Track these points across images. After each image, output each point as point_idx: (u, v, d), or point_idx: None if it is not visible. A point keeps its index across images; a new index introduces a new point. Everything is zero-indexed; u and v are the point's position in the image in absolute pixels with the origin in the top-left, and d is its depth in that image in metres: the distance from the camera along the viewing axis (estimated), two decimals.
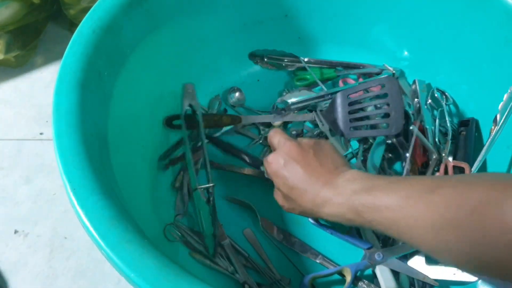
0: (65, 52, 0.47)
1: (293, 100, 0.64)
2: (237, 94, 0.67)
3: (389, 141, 0.61)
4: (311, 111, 0.63)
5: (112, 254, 0.36)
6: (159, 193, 0.57)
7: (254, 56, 0.68)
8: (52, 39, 0.77)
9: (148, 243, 0.37)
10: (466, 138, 0.60)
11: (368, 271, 0.55)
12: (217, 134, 0.63)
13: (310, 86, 0.68)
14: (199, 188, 0.55)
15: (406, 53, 0.68)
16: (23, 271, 0.57)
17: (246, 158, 0.61)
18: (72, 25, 0.76)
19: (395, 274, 0.53)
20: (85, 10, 0.64)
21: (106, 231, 0.37)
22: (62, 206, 0.61)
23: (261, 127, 0.64)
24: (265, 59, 0.68)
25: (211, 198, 0.55)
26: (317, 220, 0.55)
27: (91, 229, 0.37)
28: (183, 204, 0.57)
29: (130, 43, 0.53)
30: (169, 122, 0.60)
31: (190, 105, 0.59)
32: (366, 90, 0.60)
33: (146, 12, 0.53)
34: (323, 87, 0.66)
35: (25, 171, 0.64)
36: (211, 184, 0.56)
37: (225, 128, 0.63)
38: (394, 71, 0.67)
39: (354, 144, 0.62)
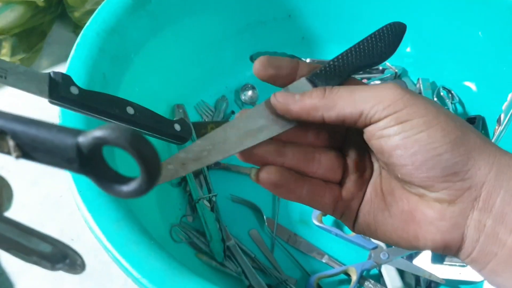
0: (70, 55, 0.47)
1: None
2: (250, 92, 0.67)
3: None
4: None
5: (118, 255, 0.36)
6: (164, 194, 0.57)
7: (255, 59, 0.69)
8: (57, 42, 0.77)
9: (154, 244, 0.37)
10: None
11: (374, 271, 0.55)
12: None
13: None
14: (201, 199, 0.55)
15: (409, 49, 0.67)
16: (30, 273, 0.57)
17: None
18: (77, 28, 0.76)
19: (401, 273, 0.53)
20: (90, 12, 0.65)
21: (113, 232, 0.37)
22: (68, 208, 0.61)
23: None
24: None
25: (214, 206, 0.56)
26: (321, 221, 0.55)
27: (98, 231, 0.37)
28: (191, 206, 0.58)
29: (134, 45, 0.53)
30: None
31: None
32: None
33: (150, 14, 0.53)
34: None
35: (32, 174, 0.64)
36: (213, 194, 0.56)
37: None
38: (396, 70, 0.66)
39: None
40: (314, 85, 0.30)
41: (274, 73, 0.31)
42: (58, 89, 0.36)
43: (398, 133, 0.26)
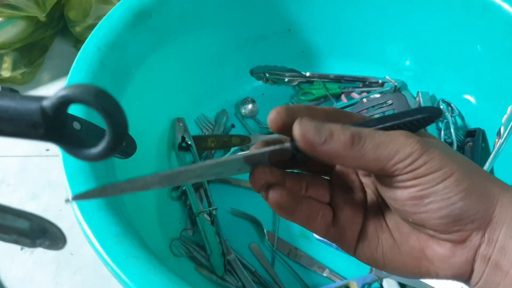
0: (71, 69, 0.47)
1: None
2: (250, 105, 0.67)
3: None
4: None
5: (118, 270, 0.36)
6: (164, 208, 0.57)
7: (255, 73, 0.69)
8: (58, 56, 0.78)
9: (154, 259, 0.37)
10: (472, 149, 0.60)
11: (376, 285, 0.54)
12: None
13: (316, 101, 0.69)
14: (202, 212, 0.55)
15: (408, 62, 0.68)
16: (28, 286, 0.57)
17: None
18: (78, 42, 0.76)
19: (403, 287, 0.53)
20: (91, 27, 0.65)
21: (112, 247, 0.37)
22: (68, 222, 0.61)
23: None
24: (267, 75, 0.69)
25: (215, 220, 0.55)
26: None
27: (97, 245, 0.37)
28: (191, 220, 0.57)
29: (135, 60, 0.53)
30: (179, 145, 0.60)
31: (183, 137, 0.60)
32: (373, 107, 0.61)
33: (150, 29, 0.54)
34: (334, 101, 0.67)
35: (32, 187, 0.64)
36: (214, 207, 0.56)
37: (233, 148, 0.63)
38: (396, 83, 0.67)
39: None
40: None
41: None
42: None
43: (414, 185, 0.26)
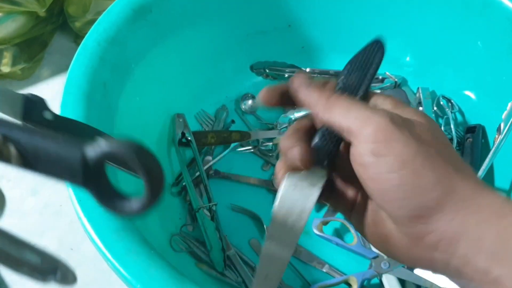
0: (71, 64, 0.47)
1: (296, 115, 0.64)
2: (250, 101, 0.67)
3: None
4: None
5: (118, 265, 0.36)
6: (164, 204, 0.57)
7: (255, 69, 0.69)
8: (58, 52, 0.77)
9: (154, 254, 0.37)
10: (472, 145, 0.60)
11: (375, 280, 0.54)
12: (225, 152, 0.63)
13: None
14: (202, 208, 0.55)
15: (408, 58, 0.68)
16: (29, 283, 0.57)
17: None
18: (77, 38, 0.76)
19: (402, 282, 0.53)
20: (91, 22, 0.65)
21: (112, 242, 0.37)
22: (68, 217, 0.61)
23: (261, 140, 0.64)
24: (267, 71, 0.68)
25: (215, 215, 0.56)
26: (321, 230, 0.55)
27: (98, 240, 0.37)
28: (191, 216, 0.58)
29: (135, 54, 0.53)
30: (179, 141, 0.60)
31: (183, 133, 0.60)
32: None
33: (150, 24, 0.54)
34: None
35: (32, 182, 0.64)
36: (213, 203, 0.56)
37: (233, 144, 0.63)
38: (396, 79, 0.67)
39: None
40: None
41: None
42: (31, 113, 0.35)
43: (371, 166, 0.26)
